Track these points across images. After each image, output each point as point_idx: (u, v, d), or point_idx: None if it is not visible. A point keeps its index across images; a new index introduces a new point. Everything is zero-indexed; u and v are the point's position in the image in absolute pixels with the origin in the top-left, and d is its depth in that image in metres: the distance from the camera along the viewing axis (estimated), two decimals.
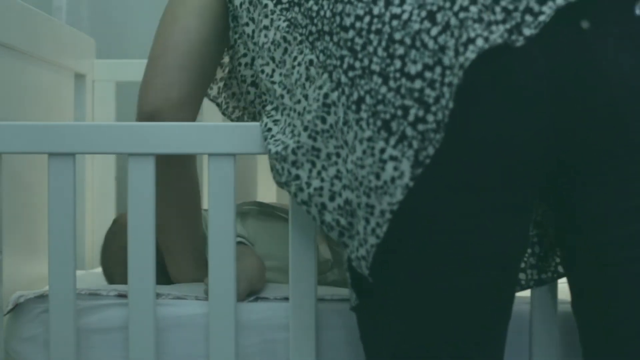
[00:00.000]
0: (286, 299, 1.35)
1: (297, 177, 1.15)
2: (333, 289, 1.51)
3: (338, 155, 1.12)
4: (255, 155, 2.08)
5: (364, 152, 1.08)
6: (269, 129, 1.22)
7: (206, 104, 2.13)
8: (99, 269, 1.77)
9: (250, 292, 1.40)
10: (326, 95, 1.12)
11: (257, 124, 1.29)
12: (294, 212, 1.30)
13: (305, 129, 1.14)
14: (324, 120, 1.13)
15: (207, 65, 1.41)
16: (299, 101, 1.17)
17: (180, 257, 1.50)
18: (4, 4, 1.50)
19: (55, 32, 1.79)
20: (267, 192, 2.12)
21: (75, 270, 1.32)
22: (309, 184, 1.15)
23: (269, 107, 1.24)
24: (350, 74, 1.09)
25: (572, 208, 1.12)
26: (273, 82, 1.24)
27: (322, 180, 1.14)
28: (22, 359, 1.36)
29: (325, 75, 1.13)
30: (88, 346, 1.35)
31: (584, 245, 1.13)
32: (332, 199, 1.13)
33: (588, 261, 1.13)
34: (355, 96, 1.08)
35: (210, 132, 1.29)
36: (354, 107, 1.08)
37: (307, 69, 1.17)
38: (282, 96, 1.22)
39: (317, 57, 1.15)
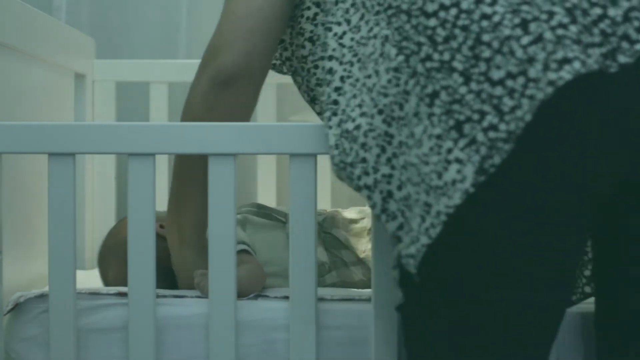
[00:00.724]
0: (286, 297, 1.35)
1: (364, 160, 1.11)
2: (333, 289, 1.51)
3: (407, 145, 1.08)
4: (255, 155, 2.09)
5: (430, 148, 1.04)
6: (335, 102, 1.17)
7: None
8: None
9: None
10: (406, 82, 1.07)
11: (257, 124, 1.29)
12: (294, 211, 1.30)
13: (380, 112, 1.10)
14: (401, 107, 1.08)
15: (282, 30, 1.36)
16: (369, 76, 1.13)
17: (191, 245, 1.47)
18: (4, 4, 1.50)
19: (55, 32, 1.79)
20: (267, 192, 2.12)
21: (75, 270, 1.32)
22: (376, 169, 1.10)
23: (329, 77, 1.19)
24: (428, 64, 1.05)
25: (620, 228, 1.10)
26: (342, 45, 1.19)
27: (393, 167, 1.09)
28: (22, 359, 1.36)
29: (401, 58, 1.09)
30: (88, 346, 1.35)
31: (623, 263, 1.11)
32: (399, 188, 1.09)
33: (626, 279, 1.12)
34: (429, 89, 1.05)
35: (211, 132, 1.29)
36: (427, 99, 1.05)
37: (382, 44, 1.12)
38: (351, 63, 1.17)
39: (392, 34, 1.10)
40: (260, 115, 2.12)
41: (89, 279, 1.74)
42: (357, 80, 1.15)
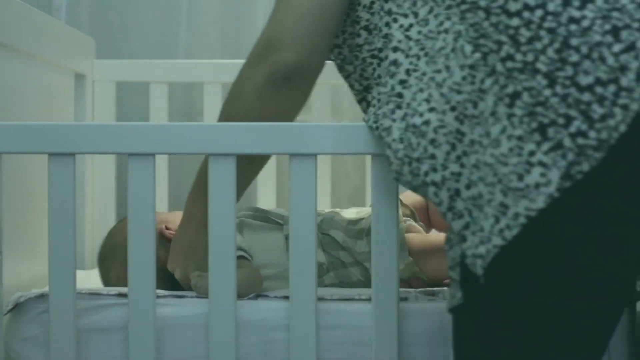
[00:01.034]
0: (286, 297, 1.35)
1: (433, 156, 1.09)
2: (333, 289, 1.51)
3: (481, 144, 1.06)
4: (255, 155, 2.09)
5: (510, 149, 1.03)
6: (400, 94, 1.15)
7: (206, 104, 2.13)
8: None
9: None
10: (482, 81, 1.06)
11: (257, 124, 1.29)
12: (294, 212, 1.30)
13: (453, 109, 1.08)
14: (475, 105, 1.07)
15: (340, 27, 1.33)
16: (439, 70, 1.11)
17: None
18: (4, 4, 1.50)
19: (55, 32, 1.79)
20: (267, 192, 2.12)
21: (75, 270, 1.32)
22: (444, 166, 1.08)
23: (393, 69, 1.18)
24: (509, 64, 1.04)
25: None
26: (409, 38, 1.17)
27: (462, 166, 1.07)
28: (22, 359, 1.36)
29: (478, 55, 1.07)
30: (88, 346, 1.35)
31: None
32: (468, 187, 1.07)
33: None
34: (510, 89, 1.03)
35: (211, 132, 1.29)
36: (507, 100, 1.04)
37: (455, 39, 1.10)
38: (417, 56, 1.15)
39: (467, 30, 1.09)
40: None
41: (89, 279, 1.74)
42: (424, 74, 1.14)
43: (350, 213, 1.68)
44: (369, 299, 1.35)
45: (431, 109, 1.10)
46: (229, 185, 1.30)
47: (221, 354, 1.31)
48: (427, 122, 1.10)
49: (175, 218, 1.72)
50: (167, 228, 1.67)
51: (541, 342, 1.06)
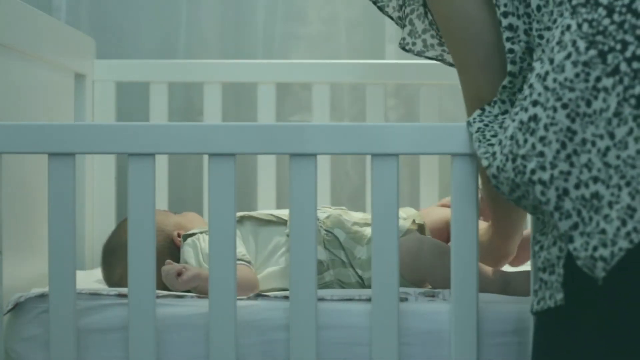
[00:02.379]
0: (286, 297, 1.35)
1: (542, 154, 1.07)
2: (332, 290, 1.51)
3: (594, 144, 1.04)
4: (255, 155, 2.09)
5: (637, 151, 1.01)
6: (504, 87, 1.17)
7: (206, 104, 2.13)
8: (99, 269, 1.77)
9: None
10: (598, 79, 1.05)
11: (257, 124, 1.29)
12: (294, 211, 1.30)
13: (565, 106, 1.06)
14: (589, 104, 1.05)
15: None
16: (541, 61, 1.10)
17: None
18: (4, 4, 1.50)
19: (55, 32, 1.79)
20: (267, 192, 2.12)
21: (75, 270, 1.32)
22: (553, 165, 1.07)
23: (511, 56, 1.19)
24: (635, 65, 1.02)
25: None
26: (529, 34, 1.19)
27: (572, 165, 1.06)
28: (22, 359, 1.36)
29: (593, 53, 1.05)
30: (88, 346, 1.35)
31: None
32: (577, 187, 1.05)
33: None
34: (637, 90, 1.02)
35: (211, 132, 1.29)
36: (633, 101, 1.02)
37: (562, 33, 1.09)
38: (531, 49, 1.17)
39: (579, 26, 1.07)
40: (260, 115, 2.13)
41: (89, 279, 1.74)
42: (528, 64, 1.14)
43: (356, 216, 1.68)
44: (369, 299, 1.35)
45: (535, 103, 1.09)
46: (229, 185, 1.30)
47: (221, 354, 1.31)
48: (535, 119, 1.09)
49: (188, 222, 1.72)
50: (179, 236, 1.67)
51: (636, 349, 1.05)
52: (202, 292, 1.42)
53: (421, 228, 1.70)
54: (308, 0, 2.31)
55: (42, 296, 1.37)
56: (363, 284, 1.59)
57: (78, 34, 2.01)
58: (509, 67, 1.22)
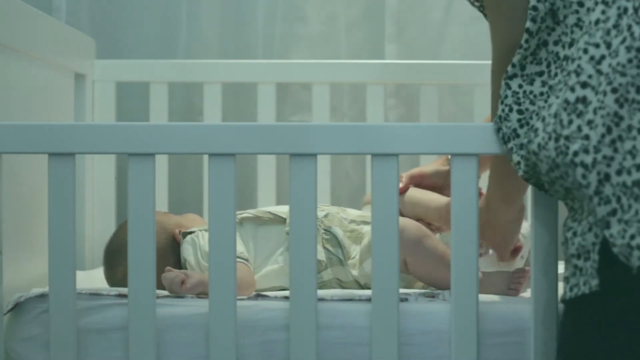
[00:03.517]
0: (286, 297, 1.35)
1: (587, 137, 1.06)
2: (332, 290, 1.51)
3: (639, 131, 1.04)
4: (255, 155, 2.09)
5: None
6: (560, 59, 1.15)
7: (206, 104, 2.13)
8: (99, 269, 1.77)
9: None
10: None
11: (257, 124, 1.29)
12: (294, 211, 1.30)
13: (614, 91, 1.06)
14: (638, 90, 1.05)
15: None
16: (596, 45, 1.09)
17: None
18: (4, 4, 1.50)
19: (55, 32, 1.79)
20: (267, 192, 2.12)
21: (75, 270, 1.32)
22: (597, 149, 1.06)
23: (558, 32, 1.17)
24: None
25: None
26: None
27: (615, 150, 1.05)
28: (22, 359, 1.36)
29: None
30: (88, 346, 1.35)
31: None
32: (619, 173, 1.05)
33: None
34: None
35: (211, 132, 1.29)
36: None
37: (619, 16, 1.08)
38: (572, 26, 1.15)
39: (635, 10, 1.06)
40: (260, 115, 2.13)
41: (89, 279, 1.74)
42: (577, 43, 1.12)
43: (354, 213, 1.68)
44: (369, 299, 1.35)
45: (584, 85, 1.09)
46: (229, 185, 1.30)
47: (221, 354, 1.31)
48: (584, 101, 1.08)
49: (189, 222, 1.73)
50: (179, 232, 1.67)
51: None
52: (205, 296, 1.42)
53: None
54: (308, 0, 2.31)
55: (42, 296, 1.37)
56: (359, 283, 1.59)
57: (78, 34, 2.01)
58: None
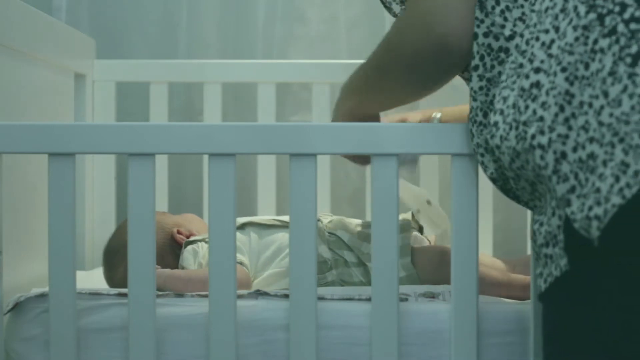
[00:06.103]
0: (286, 296, 1.35)
1: (541, 118, 1.08)
2: (333, 289, 1.51)
3: (590, 105, 1.05)
4: (255, 155, 2.09)
5: (632, 107, 1.01)
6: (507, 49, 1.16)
7: (206, 104, 2.14)
8: (99, 269, 1.77)
9: None
10: (595, 41, 1.05)
11: (257, 124, 1.29)
12: (294, 211, 1.30)
13: (564, 70, 1.07)
14: (587, 67, 1.06)
15: None
16: (546, 31, 1.11)
17: None
18: (4, 4, 1.50)
19: (55, 32, 1.79)
20: (267, 192, 2.12)
21: (75, 270, 1.32)
22: (552, 128, 1.07)
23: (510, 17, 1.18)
24: (633, 26, 1.03)
25: None
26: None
27: (570, 128, 1.06)
28: (22, 359, 1.36)
29: (593, 16, 1.06)
30: (88, 346, 1.35)
31: None
32: (574, 150, 1.06)
33: None
34: (633, 49, 1.02)
35: (210, 132, 1.29)
36: (628, 59, 1.02)
37: (565, 0, 1.10)
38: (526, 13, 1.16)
39: None
40: (260, 115, 2.13)
41: (89, 279, 1.74)
42: (530, 30, 1.13)
43: (356, 222, 1.68)
44: (369, 299, 1.35)
45: (537, 70, 1.10)
46: (229, 185, 1.30)
47: (221, 354, 1.31)
48: (537, 85, 1.09)
49: (187, 222, 1.73)
50: (179, 232, 1.68)
51: None
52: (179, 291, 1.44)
53: (420, 229, 1.71)
54: (308, 0, 2.31)
55: (42, 296, 1.37)
56: (367, 283, 1.59)
57: (78, 34, 2.01)
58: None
